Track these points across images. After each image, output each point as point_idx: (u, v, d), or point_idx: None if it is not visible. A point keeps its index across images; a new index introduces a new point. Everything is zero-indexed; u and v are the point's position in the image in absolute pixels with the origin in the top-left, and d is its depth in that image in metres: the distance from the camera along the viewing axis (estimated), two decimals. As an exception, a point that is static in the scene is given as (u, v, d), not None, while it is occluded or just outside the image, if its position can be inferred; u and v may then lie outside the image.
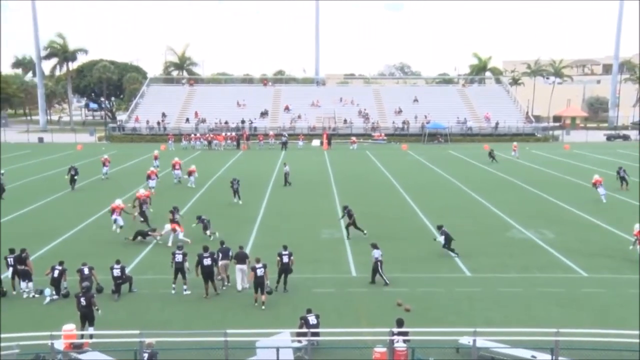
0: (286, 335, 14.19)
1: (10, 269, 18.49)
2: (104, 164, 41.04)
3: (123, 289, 18.04)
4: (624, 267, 20.74)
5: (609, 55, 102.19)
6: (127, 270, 18.66)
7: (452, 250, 22.22)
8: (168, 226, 23.61)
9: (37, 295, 17.97)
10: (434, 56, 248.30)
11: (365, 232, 24.58)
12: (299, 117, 74.51)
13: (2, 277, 18.24)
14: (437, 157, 54.13)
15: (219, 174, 42.54)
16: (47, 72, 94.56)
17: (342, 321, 15.79)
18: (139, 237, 23.83)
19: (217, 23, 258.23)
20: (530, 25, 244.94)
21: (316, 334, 13.95)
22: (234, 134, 65.92)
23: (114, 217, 25.67)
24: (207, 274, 17.79)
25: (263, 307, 16.81)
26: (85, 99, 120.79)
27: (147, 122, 72.88)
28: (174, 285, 18.29)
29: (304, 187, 37.04)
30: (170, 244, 23.00)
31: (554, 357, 12.93)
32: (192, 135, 64.88)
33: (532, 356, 13.06)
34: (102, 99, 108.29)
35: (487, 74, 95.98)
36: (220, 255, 18.62)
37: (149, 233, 24.18)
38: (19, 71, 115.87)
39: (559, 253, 22.64)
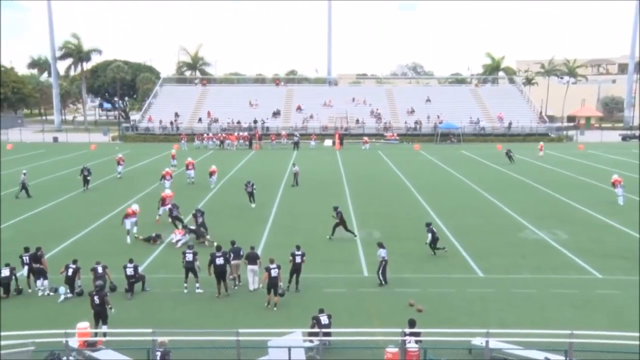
0: (298, 335, 14.20)
1: (26, 267, 18.70)
2: (118, 163, 41.34)
3: (136, 288, 18.16)
4: (638, 269, 20.50)
5: (624, 54, 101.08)
6: (140, 269, 18.79)
7: (436, 249, 22.03)
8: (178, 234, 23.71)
9: (52, 293, 18.15)
10: (446, 56, 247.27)
11: (355, 234, 24.44)
12: (311, 117, 74.54)
13: (18, 275, 18.42)
14: (449, 157, 53.91)
15: (231, 174, 42.67)
16: (62, 72, 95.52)
17: (354, 321, 15.78)
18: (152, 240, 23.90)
19: (230, 23, 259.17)
20: (544, 25, 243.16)
21: (328, 334, 13.95)
22: (246, 133, 66.11)
23: (128, 220, 23.90)
24: (220, 274, 17.85)
25: (275, 309, 16.79)
26: (99, 98, 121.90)
27: (160, 121, 73.31)
28: (185, 285, 18.38)
29: (316, 187, 37.06)
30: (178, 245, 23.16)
31: (567, 359, 12.82)
32: (205, 135, 65.16)
33: (546, 358, 12.96)
34: (116, 98, 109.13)
35: (501, 73, 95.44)
36: (232, 255, 18.66)
37: (154, 239, 23.95)
38: (35, 71, 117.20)
39: (572, 254, 22.46)
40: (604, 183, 36.70)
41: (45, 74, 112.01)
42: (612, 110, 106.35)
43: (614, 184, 32.08)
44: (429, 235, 22.04)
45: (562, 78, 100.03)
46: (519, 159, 50.57)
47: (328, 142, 66.13)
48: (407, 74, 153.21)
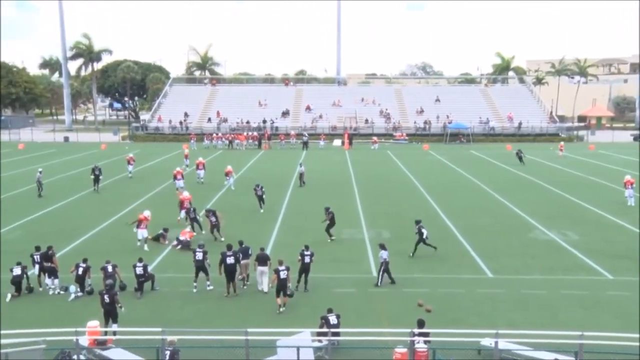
0: (307, 334, 14.20)
1: (37, 266, 18.84)
2: (128, 163, 41.54)
3: (145, 287, 18.25)
4: (650, 270, 20.35)
5: (636, 54, 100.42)
6: (149, 269, 18.87)
7: (415, 249, 21.90)
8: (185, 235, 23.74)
9: (62, 292, 18.27)
10: (456, 56, 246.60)
11: (333, 238, 24.06)
12: (320, 116, 74.55)
13: (29, 274, 18.56)
14: (459, 157, 53.72)
15: (240, 174, 42.75)
16: (73, 72, 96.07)
17: (363, 321, 15.77)
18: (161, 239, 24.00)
19: (239, 23, 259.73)
20: (555, 24, 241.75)
21: (337, 334, 13.94)
22: (255, 133, 66.23)
23: (141, 231, 22.99)
24: (230, 273, 17.90)
25: (283, 309, 16.75)
26: (109, 98, 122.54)
27: (170, 121, 73.59)
28: (195, 284, 18.44)
29: (325, 187, 37.04)
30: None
31: (577, 360, 12.74)
32: (214, 134, 65.34)
33: (555, 359, 12.89)
34: (126, 98, 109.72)
35: (510, 73, 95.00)
36: (240, 254, 18.69)
37: (162, 236, 23.89)
38: (46, 72, 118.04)
39: (582, 254, 22.32)
40: (615, 183, 36.43)
41: (57, 74, 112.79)
42: (623, 110, 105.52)
43: (625, 185, 31.82)
44: (422, 232, 21.80)
45: (572, 78, 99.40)
46: (529, 159, 50.31)
47: (337, 142, 66.09)
48: (417, 73, 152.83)
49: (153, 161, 50.61)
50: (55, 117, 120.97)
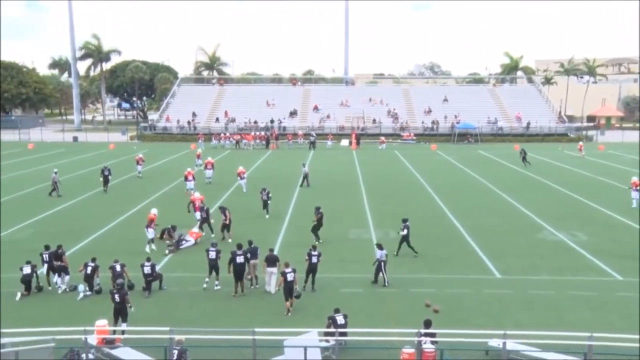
0: (314, 334, 14.22)
1: (45, 265, 18.97)
2: (137, 163, 41.71)
3: (153, 287, 18.33)
4: (659, 271, 20.20)
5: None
6: (157, 268, 18.95)
7: (399, 248, 21.67)
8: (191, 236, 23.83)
9: (70, 291, 18.38)
10: (464, 56, 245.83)
11: (320, 241, 23.58)
12: (328, 116, 74.55)
13: (38, 273, 18.67)
14: (466, 157, 53.56)
15: (247, 174, 42.71)
16: (82, 72, 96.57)
17: (370, 321, 15.76)
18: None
19: (247, 23, 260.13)
20: (564, 24, 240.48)
21: (344, 334, 13.95)
22: (263, 133, 66.33)
23: (152, 230, 22.90)
24: (239, 272, 17.94)
25: (290, 310, 16.69)
26: (117, 98, 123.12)
27: (178, 121, 73.80)
28: (207, 280, 18.50)
29: (332, 187, 37.04)
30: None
31: (586, 362, 12.68)
32: (222, 134, 65.48)
33: (564, 360, 12.85)
34: (134, 98, 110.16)
35: (519, 73, 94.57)
36: (249, 254, 18.71)
37: (169, 230, 23.59)
38: (55, 72, 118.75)
39: (591, 255, 22.20)
40: (624, 184, 36.19)
41: (66, 74, 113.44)
42: (633, 110, 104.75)
43: (632, 186, 31.52)
44: (405, 231, 21.45)
45: (581, 77, 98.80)
46: (537, 159, 50.07)
47: (345, 142, 66.10)
48: (425, 73, 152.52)
49: (161, 161, 50.79)
50: (64, 117, 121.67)
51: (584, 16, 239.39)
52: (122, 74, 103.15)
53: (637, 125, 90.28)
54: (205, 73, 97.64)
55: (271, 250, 19.10)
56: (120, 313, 15.17)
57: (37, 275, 18.52)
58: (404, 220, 21.96)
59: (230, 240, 23.29)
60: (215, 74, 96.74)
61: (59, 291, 18.45)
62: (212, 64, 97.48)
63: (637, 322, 15.84)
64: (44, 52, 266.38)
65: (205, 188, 36.33)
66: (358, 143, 63.14)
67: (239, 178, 35.71)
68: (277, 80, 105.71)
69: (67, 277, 18.68)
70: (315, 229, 23.87)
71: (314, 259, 18.16)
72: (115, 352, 13.62)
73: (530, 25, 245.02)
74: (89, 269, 18.12)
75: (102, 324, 14.07)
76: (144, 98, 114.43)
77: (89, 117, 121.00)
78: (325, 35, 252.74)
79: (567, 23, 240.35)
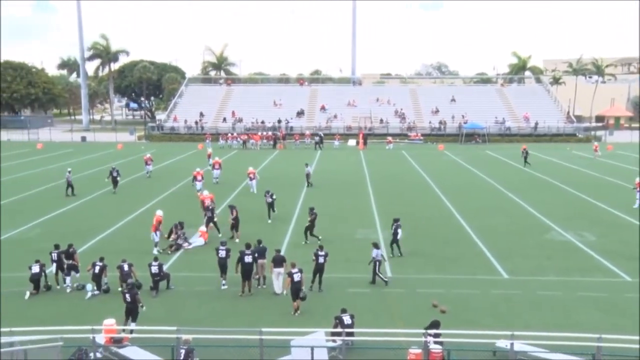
0: (321, 334, 14.22)
1: (54, 264, 19.06)
2: (146, 163, 41.78)
3: (161, 286, 18.38)
4: (669, 272, 20.05)
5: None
6: (164, 268, 19.00)
7: (399, 248, 21.69)
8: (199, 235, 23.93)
9: (79, 289, 18.46)
10: (472, 55, 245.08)
11: (307, 241, 23.56)
12: (335, 116, 74.53)
13: (47, 272, 18.76)
14: (474, 157, 53.39)
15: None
16: (90, 72, 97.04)
17: (377, 321, 15.74)
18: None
19: (254, 23, 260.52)
20: (572, 24, 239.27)
21: (351, 334, 13.93)
22: (270, 133, 66.39)
23: (156, 234, 22.75)
24: (247, 272, 17.95)
25: (298, 312, 16.66)
26: (125, 98, 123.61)
27: (185, 121, 74.01)
28: (224, 281, 18.58)
29: (339, 187, 37.01)
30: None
31: (594, 363, 12.61)
32: (229, 134, 65.58)
33: (572, 361, 12.78)
34: (142, 98, 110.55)
35: (527, 73, 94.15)
36: (257, 254, 18.70)
37: (175, 227, 23.45)
38: (64, 72, 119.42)
39: (600, 256, 22.07)
40: (632, 184, 35.93)
41: (75, 75, 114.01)
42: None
43: (637, 187, 31.30)
44: (398, 232, 21.58)
45: (590, 77, 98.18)
46: (545, 159, 49.81)
47: (352, 142, 66.05)
48: (432, 73, 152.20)
49: (169, 161, 50.94)
50: (72, 117, 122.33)
51: (593, 16, 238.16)
52: (130, 74, 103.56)
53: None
54: (212, 73, 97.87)
55: (278, 250, 19.10)
56: (131, 313, 15.24)
57: (46, 274, 18.61)
58: (395, 220, 21.93)
59: (237, 240, 23.31)
60: (222, 74, 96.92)
61: (68, 290, 18.54)
62: (220, 64, 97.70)
63: (646, 324, 15.74)
64: (52, 53, 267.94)
65: (213, 188, 36.38)
66: (365, 143, 63.08)
67: (248, 179, 35.53)
68: (284, 80, 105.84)
69: (77, 275, 18.77)
70: (308, 230, 23.78)
71: (321, 259, 18.12)
72: (123, 352, 13.67)
73: (538, 25, 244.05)
74: (96, 269, 18.19)
75: (110, 322, 14.12)
76: (152, 98, 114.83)
77: (97, 117, 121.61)
78: (332, 34, 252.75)
79: (576, 23, 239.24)
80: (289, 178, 39.98)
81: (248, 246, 18.38)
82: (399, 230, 21.70)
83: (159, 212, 23.53)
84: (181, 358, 12.40)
